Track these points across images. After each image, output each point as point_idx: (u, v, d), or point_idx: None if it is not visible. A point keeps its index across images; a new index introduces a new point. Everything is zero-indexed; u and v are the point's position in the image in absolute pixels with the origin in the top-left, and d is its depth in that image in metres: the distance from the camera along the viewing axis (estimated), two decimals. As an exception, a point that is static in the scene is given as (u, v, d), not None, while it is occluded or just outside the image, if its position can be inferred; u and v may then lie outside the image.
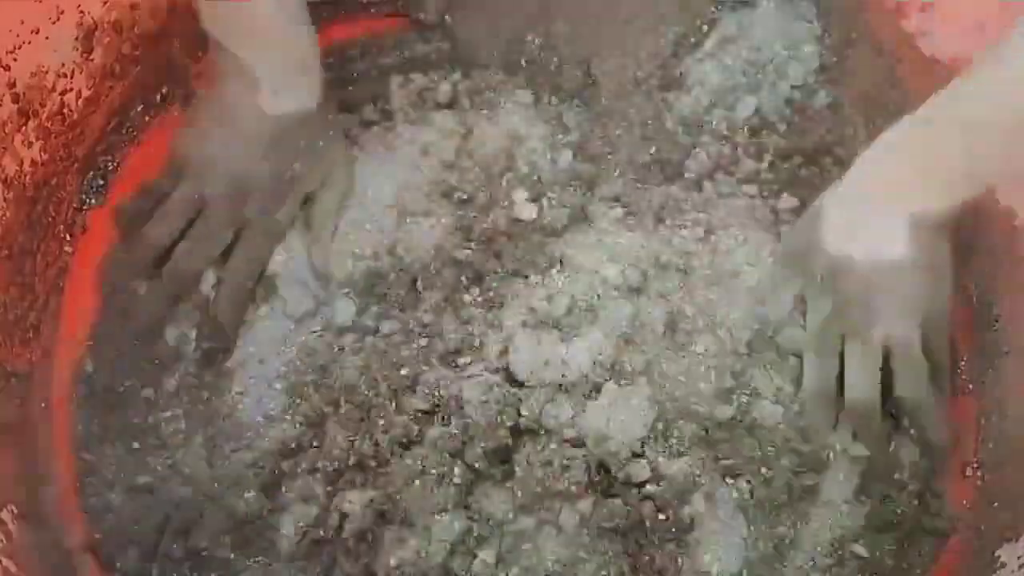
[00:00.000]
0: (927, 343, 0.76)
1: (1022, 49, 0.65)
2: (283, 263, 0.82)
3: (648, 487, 0.73)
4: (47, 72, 0.76)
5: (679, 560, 0.73)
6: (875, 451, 0.77)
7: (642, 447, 0.74)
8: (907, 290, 0.75)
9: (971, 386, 0.86)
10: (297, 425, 0.77)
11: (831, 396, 0.77)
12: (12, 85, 0.73)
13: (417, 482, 0.72)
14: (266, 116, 0.79)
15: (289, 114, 0.80)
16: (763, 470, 0.75)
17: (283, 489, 0.75)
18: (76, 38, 0.78)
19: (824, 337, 0.77)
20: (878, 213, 0.74)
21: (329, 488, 0.74)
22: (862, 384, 0.75)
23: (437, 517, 0.71)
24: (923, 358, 0.75)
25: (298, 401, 0.78)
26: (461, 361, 0.77)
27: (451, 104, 0.90)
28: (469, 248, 0.83)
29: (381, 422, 0.74)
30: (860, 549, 0.77)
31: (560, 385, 0.75)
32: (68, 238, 0.83)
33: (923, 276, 0.75)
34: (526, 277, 0.81)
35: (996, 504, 0.79)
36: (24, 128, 0.75)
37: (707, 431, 0.75)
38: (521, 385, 0.75)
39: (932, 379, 0.76)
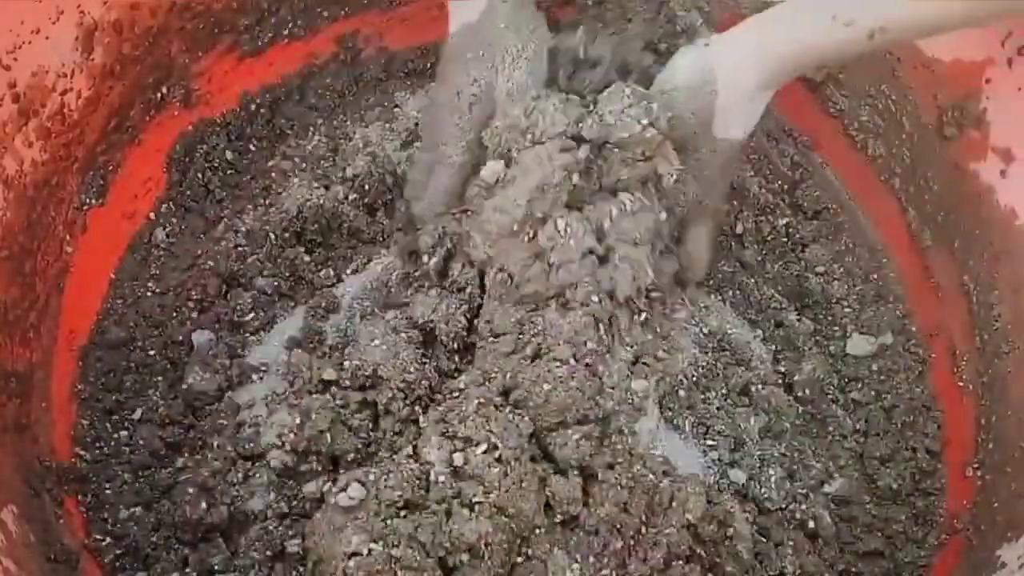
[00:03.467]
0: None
1: None
2: None
3: None
4: (47, 72, 0.76)
5: None
6: None
7: None
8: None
9: (971, 386, 0.86)
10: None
11: None
12: (12, 85, 0.73)
13: None
14: (447, 40, 0.83)
15: (459, 28, 0.82)
16: None
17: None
18: (76, 38, 0.78)
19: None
20: (752, 99, 0.79)
21: None
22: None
23: None
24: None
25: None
26: None
27: None
28: None
29: None
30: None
31: None
32: (68, 238, 0.83)
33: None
34: None
35: (996, 504, 0.79)
36: (24, 128, 0.75)
37: None
38: None
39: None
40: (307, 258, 0.91)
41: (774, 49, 0.75)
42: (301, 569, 0.74)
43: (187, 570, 0.74)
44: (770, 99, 0.79)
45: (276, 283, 0.89)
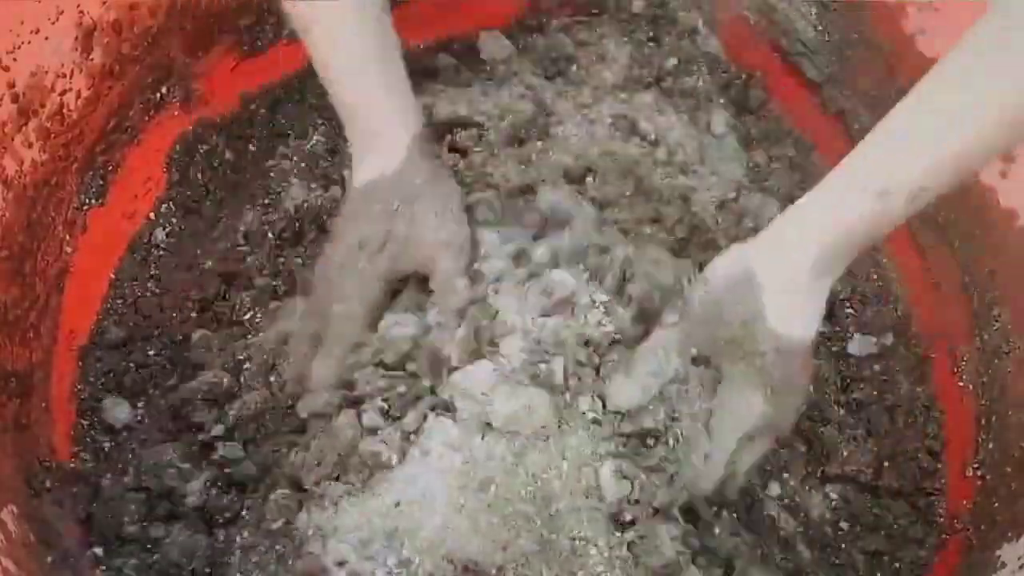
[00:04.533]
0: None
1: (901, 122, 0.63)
2: None
3: None
4: (47, 72, 0.76)
5: None
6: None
7: None
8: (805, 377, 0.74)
9: (971, 386, 0.86)
10: None
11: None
12: (12, 85, 0.73)
13: None
14: (352, 189, 0.77)
15: (368, 182, 0.76)
16: None
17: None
18: (75, 38, 0.78)
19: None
20: (810, 292, 0.70)
21: None
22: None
23: None
24: None
25: None
26: None
27: None
28: None
29: None
30: None
31: None
32: (68, 238, 0.83)
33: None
34: None
35: (996, 504, 0.79)
36: (24, 128, 0.75)
37: None
38: None
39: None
40: (307, 258, 0.91)
41: (819, 237, 0.68)
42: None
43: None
44: (828, 292, 0.71)
45: (275, 283, 0.89)
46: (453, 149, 0.92)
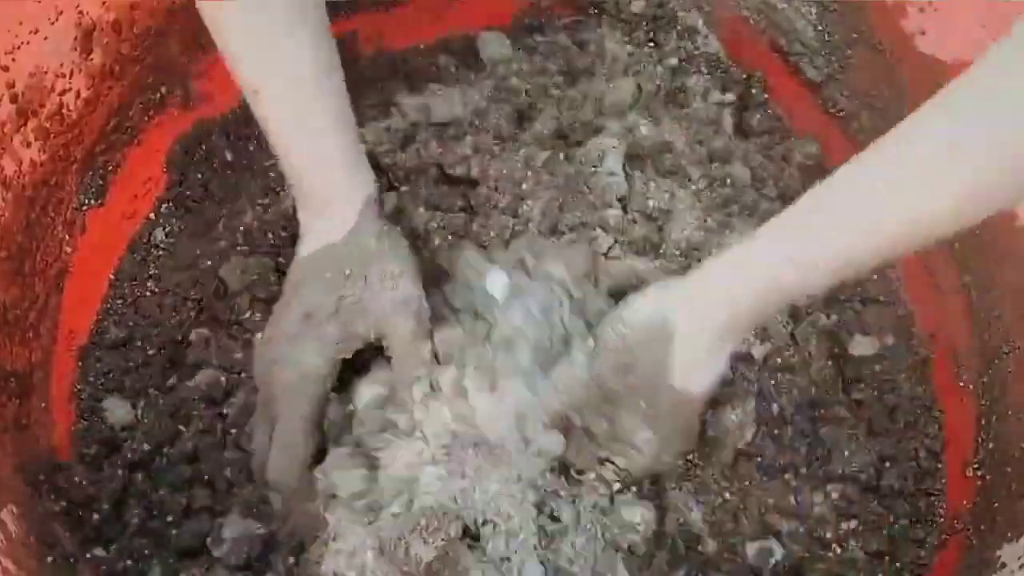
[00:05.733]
0: None
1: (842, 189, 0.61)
2: None
3: None
4: (46, 72, 0.76)
5: None
6: None
7: None
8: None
9: (971, 386, 0.86)
10: None
11: None
12: (11, 85, 0.73)
13: None
14: (298, 259, 0.75)
15: (317, 250, 0.73)
16: None
17: None
18: (75, 38, 0.78)
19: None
20: (712, 352, 0.70)
21: None
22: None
23: None
24: None
25: None
26: None
27: None
28: None
29: None
30: None
31: None
32: (68, 238, 0.83)
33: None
34: None
35: (996, 504, 0.79)
36: (23, 128, 0.75)
37: None
38: None
39: None
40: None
41: (732, 301, 0.67)
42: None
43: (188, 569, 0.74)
44: (729, 353, 0.71)
45: (275, 284, 0.89)
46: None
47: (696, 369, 0.70)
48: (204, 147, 0.94)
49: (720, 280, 0.68)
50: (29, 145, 0.76)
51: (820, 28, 0.96)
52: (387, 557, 0.68)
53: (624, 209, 0.91)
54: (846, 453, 0.87)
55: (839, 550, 0.82)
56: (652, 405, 0.71)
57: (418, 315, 0.74)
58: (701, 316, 0.69)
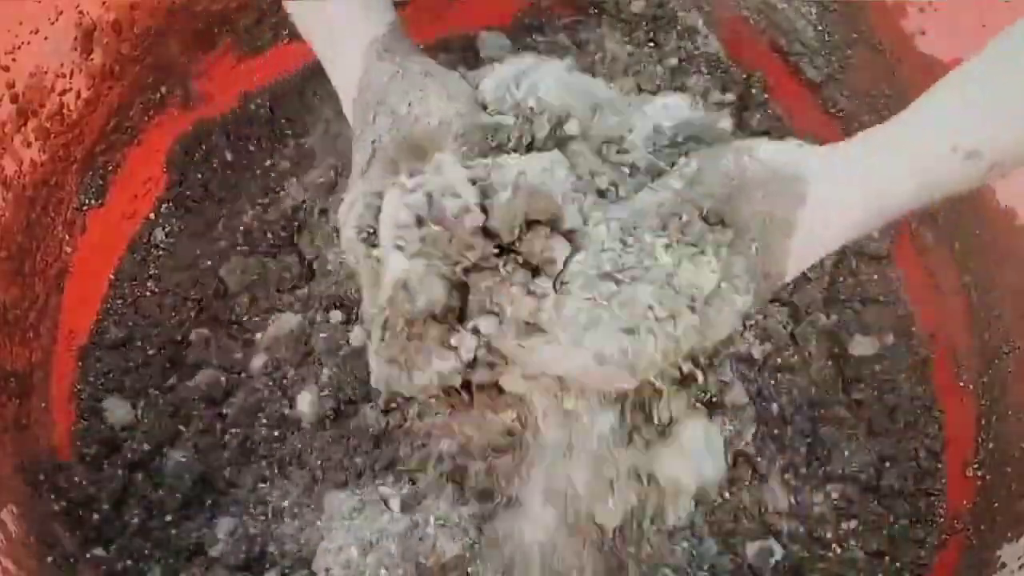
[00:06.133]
0: None
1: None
2: None
3: None
4: (46, 72, 0.76)
5: None
6: None
7: None
8: None
9: (971, 386, 0.86)
10: None
11: None
12: (11, 85, 0.73)
13: None
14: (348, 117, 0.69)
15: (347, 114, 0.69)
16: None
17: None
18: (75, 38, 0.78)
19: None
20: (830, 238, 0.62)
21: None
22: None
23: None
24: None
25: None
26: None
27: None
28: None
29: None
30: None
31: None
32: (68, 238, 0.83)
33: None
34: None
35: (996, 504, 0.79)
36: (23, 128, 0.75)
37: None
38: None
39: None
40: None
41: (885, 184, 0.60)
42: None
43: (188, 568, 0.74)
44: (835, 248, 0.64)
45: (274, 284, 0.89)
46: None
47: (807, 242, 0.61)
48: (204, 147, 0.94)
49: (870, 155, 0.61)
50: (29, 145, 0.76)
51: (820, 28, 0.96)
52: (401, 550, 0.69)
53: None
54: (846, 453, 0.87)
55: (839, 550, 0.82)
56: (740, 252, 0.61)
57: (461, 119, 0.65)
58: (842, 194, 0.61)
